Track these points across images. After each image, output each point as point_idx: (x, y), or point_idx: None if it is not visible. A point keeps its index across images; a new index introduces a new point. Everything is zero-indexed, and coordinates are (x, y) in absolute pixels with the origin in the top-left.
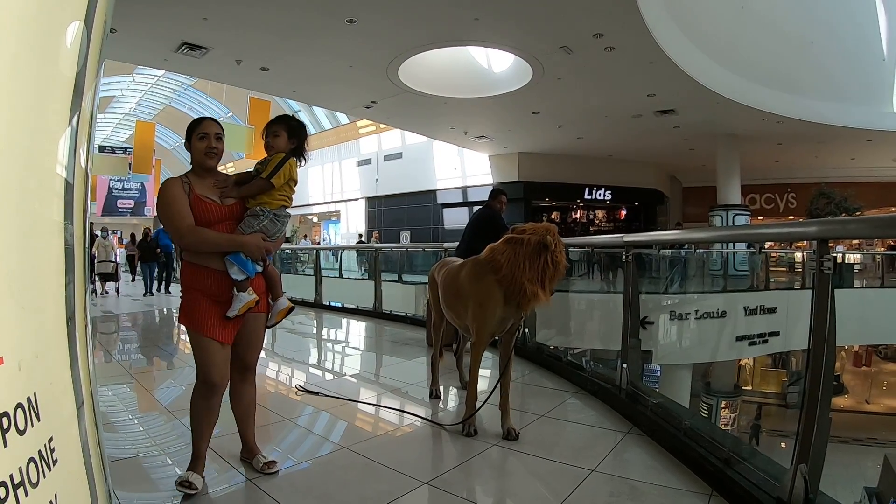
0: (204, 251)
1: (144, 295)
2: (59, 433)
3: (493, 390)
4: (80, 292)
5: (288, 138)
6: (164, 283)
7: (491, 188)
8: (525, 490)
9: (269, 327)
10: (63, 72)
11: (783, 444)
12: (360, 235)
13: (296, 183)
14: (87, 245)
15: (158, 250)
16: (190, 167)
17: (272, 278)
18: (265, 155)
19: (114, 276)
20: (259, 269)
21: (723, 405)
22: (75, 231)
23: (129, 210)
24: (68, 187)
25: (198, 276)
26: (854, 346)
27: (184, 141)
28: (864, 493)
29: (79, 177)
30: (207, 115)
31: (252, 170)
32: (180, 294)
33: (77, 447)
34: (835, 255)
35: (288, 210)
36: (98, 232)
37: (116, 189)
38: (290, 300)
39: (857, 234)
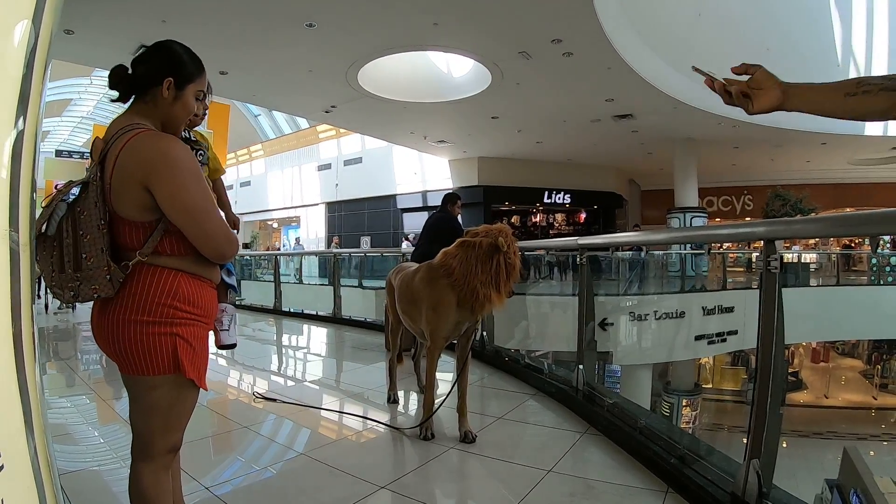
0: (221, 260)
1: None
2: (5, 440)
3: (448, 393)
4: (26, 301)
5: None
6: None
7: (448, 193)
8: (483, 491)
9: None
10: (9, 72)
11: (744, 440)
12: (297, 239)
13: None
14: (34, 252)
15: None
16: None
17: None
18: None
19: None
20: None
21: (684, 403)
22: (21, 238)
23: None
24: (14, 192)
25: (206, 296)
26: (812, 342)
27: (167, 79)
28: (826, 485)
29: (25, 181)
30: None
31: (185, 136)
32: (170, 332)
33: (25, 454)
34: (783, 254)
35: None
36: None
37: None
38: (250, 307)
39: (803, 234)
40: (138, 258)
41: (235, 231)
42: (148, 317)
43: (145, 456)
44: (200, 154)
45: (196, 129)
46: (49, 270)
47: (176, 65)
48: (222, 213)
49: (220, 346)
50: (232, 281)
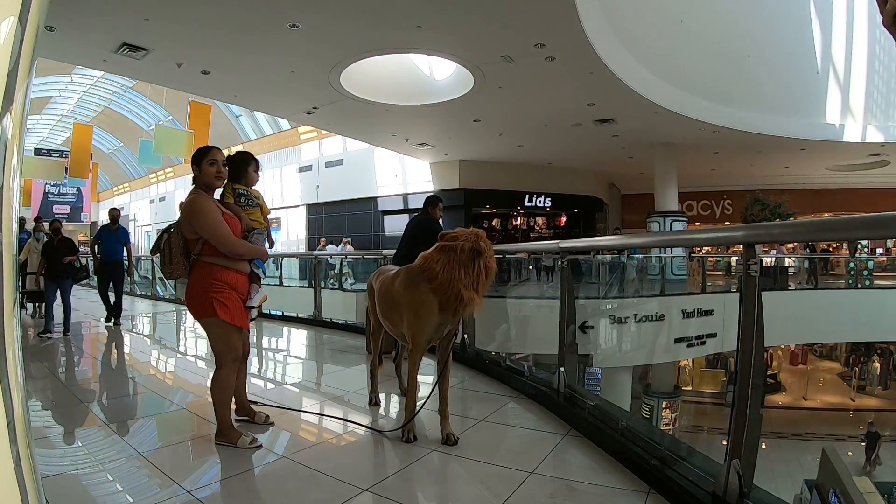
0: (241, 258)
1: (42, 334)
2: None
3: (429, 395)
4: (9, 303)
5: None
6: (114, 308)
7: (430, 195)
8: (464, 494)
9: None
10: None
11: (724, 442)
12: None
13: None
14: (16, 253)
15: (74, 259)
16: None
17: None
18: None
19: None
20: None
21: (664, 406)
22: (4, 238)
23: (66, 216)
24: None
25: (233, 278)
26: (790, 345)
27: (192, 166)
28: (805, 486)
29: (8, 180)
30: (147, 118)
31: (244, 193)
32: (209, 295)
33: (8, 459)
34: (762, 257)
35: None
36: (28, 229)
37: (52, 194)
38: None
39: (782, 239)
40: (194, 256)
41: (271, 245)
42: (201, 287)
43: (220, 364)
44: (251, 200)
45: (251, 186)
46: (161, 264)
47: (195, 157)
48: (227, 230)
49: (245, 307)
50: (259, 273)
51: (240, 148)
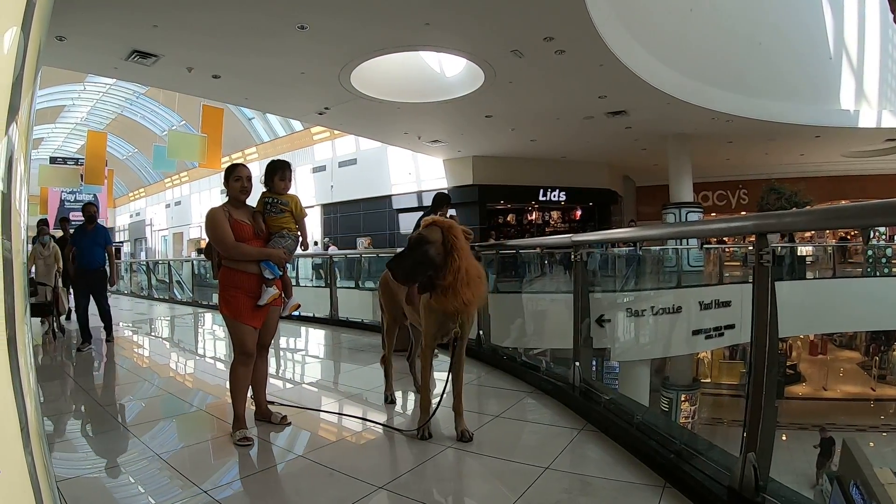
0: (243, 260)
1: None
2: (1, 445)
3: (443, 393)
4: (20, 311)
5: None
6: (104, 322)
7: (443, 193)
8: (479, 490)
9: (282, 317)
10: None
11: (746, 434)
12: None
13: None
14: (24, 260)
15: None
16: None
17: (286, 283)
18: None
19: (50, 308)
20: (280, 273)
21: (683, 398)
22: (14, 246)
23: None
24: (5, 200)
25: (239, 278)
26: (810, 335)
27: (223, 181)
28: (826, 477)
29: (16, 189)
30: (160, 123)
31: (269, 201)
32: (220, 294)
33: (22, 464)
34: (776, 247)
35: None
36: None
37: (69, 201)
38: None
39: (793, 227)
40: (219, 261)
41: (304, 248)
42: (220, 287)
43: (235, 356)
44: (275, 208)
45: (282, 193)
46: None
47: (224, 174)
48: (227, 236)
49: (254, 306)
50: (267, 275)
51: (252, 150)
